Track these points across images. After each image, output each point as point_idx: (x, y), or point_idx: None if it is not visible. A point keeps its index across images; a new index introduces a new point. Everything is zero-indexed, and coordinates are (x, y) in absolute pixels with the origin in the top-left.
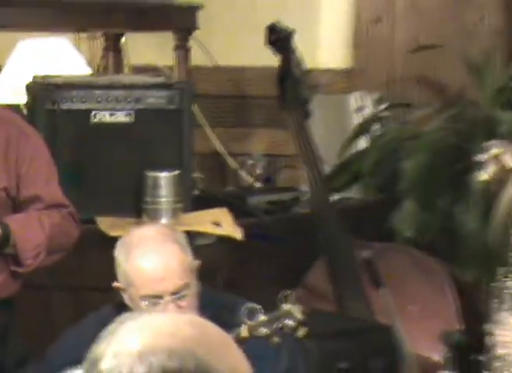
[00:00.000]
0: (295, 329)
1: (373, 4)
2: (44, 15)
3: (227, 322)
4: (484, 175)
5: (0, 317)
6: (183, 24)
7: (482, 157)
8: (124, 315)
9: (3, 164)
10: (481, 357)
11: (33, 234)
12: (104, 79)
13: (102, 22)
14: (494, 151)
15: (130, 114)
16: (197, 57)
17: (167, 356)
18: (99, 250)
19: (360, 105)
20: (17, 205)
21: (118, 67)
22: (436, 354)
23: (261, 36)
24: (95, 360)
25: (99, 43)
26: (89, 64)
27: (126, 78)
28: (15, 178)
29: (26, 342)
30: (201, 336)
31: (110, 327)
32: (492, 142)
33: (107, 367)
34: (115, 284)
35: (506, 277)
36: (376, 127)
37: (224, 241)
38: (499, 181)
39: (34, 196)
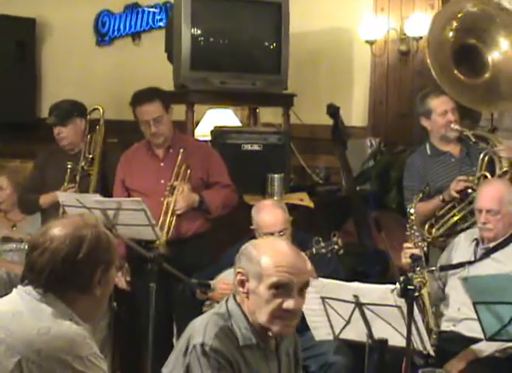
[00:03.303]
0: (338, 250)
1: (378, 94)
2: (219, 99)
3: (305, 247)
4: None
5: (201, 243)
6: (286, 103)
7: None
8: (257, 240)
9: (200, 166)
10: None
11: (216, 199)
12: (248, 129)
13: (248, 102)
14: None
15: (260, 146)
16: (292, 118)
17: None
18: (246, 210)
19: (370, 144)
20: (207, 185)
21: (255, 123)
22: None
23: (324, 110)
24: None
25: (247, 111)
26: (241, 121)
27: (259, 128)
28: (206, 173)
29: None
30: (290, 248)
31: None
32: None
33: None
34: (251, 227)
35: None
36: (378, 155)
37: (304, 208)
38: None
39: (216, 182)
